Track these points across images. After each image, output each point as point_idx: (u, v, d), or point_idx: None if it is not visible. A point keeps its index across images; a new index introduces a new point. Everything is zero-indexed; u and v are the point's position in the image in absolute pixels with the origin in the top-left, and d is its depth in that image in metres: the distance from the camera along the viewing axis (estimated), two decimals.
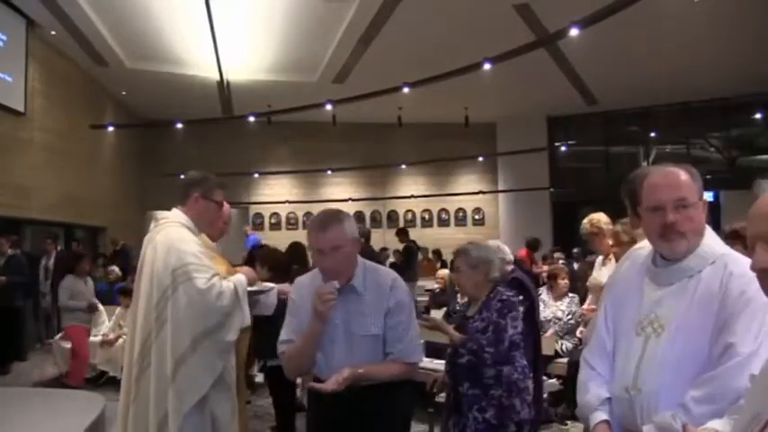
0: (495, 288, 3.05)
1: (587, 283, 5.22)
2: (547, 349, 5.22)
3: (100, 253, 11.78)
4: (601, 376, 1.90)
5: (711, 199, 14.53)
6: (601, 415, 1.84)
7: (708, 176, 14.41)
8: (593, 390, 1.88)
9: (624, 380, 1.79)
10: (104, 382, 7.33)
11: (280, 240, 14.17)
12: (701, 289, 1.72)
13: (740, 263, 1.69)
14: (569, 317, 5.65)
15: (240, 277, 2.87)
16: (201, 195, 2.90)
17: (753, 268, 1.30)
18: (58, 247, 10.25)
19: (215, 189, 2.95)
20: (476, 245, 3.14)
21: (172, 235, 2.78)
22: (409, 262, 10.53)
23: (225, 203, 3.09)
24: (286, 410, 4.82)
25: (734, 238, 3.55)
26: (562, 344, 5.56)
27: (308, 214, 15.15)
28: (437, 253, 13.25)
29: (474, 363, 2.88)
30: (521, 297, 3.33)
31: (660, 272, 1.82)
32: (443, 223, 16.50)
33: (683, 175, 1.79)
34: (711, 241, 1.81)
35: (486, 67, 8.36)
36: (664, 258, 1.82)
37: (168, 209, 2.97)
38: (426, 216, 16.65)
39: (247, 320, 2.83)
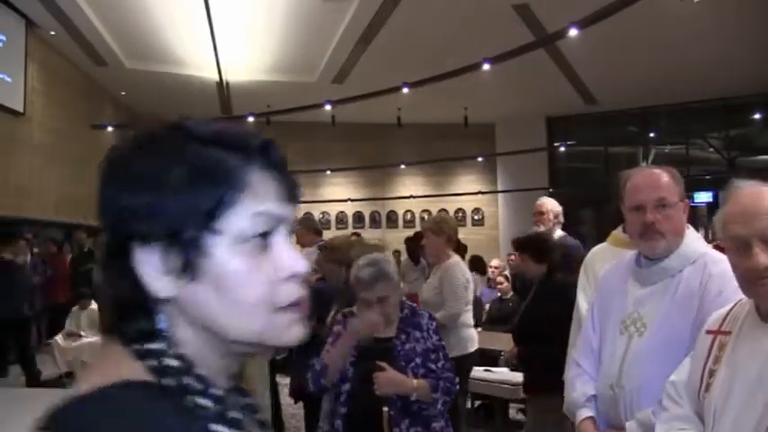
0: (402, 303, 2.66)
1: None
2: None
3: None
4: (587, 374, 1.95)
5: (711, 199, 14.54)
6: (586, 412, 1.90)
7: (707, 177, 14.46)
8: (579, 387, 1.94)
9: (609, 377, 1.84)
10: None
11: None
12: (682, 288, 1.77)
13: (720, 263, 1.74)
14: None
15: None
16: None
17: (753, 268, 1.30)
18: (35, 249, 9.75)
19: None
20: (382, 259, 2.62)
21: None
22: None
23: None
24: (273, 404, 4.89)
25: None
26: None
27: (307, 214, 15.12)
28: None
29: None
30: None
31: (643, 272, 1.87)
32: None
33: (664, 176, 1.84)
34: (693, 242, 1.84)
35: (486, 67, 8.35)
36: (647, 258, 1.85)
37: None
38: (426, 216, 16.57)
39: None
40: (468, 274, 4.45)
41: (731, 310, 1.50)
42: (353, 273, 2.53)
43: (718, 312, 1.53)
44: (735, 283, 1.46)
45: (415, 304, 2.69)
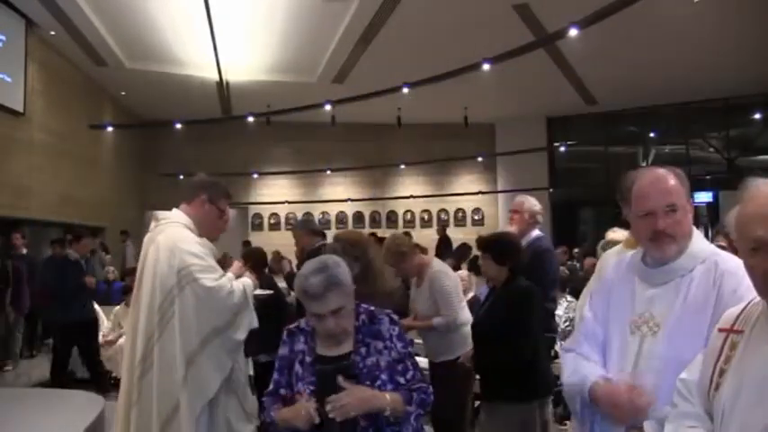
0: (358, 308, 2.22)
1: None
2: None
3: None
4: (596, 362, 1.87)
5: (711, 199, 14.55)
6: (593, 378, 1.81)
7: (707, 177, 14.47)
8: (589, 368, 1.84)
9: (622, 378, 1.80)
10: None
11: (279, 241, 14.18)
12: (694, 288, 1.76)
13: (730, 262, 1.75)
14: (567, 324, 5.55)
15: (247, 281, 2.94)
16: (208, 200, 2.96)
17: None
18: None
19: (222, 197, 3.02)
20: (332, 263, 2.14)
21: (175, 236, 2.78)
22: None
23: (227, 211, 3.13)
24: None
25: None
26: (561, 344, 5.54)
27: (307, 215, 15.14)
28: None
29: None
30: None
31: (652, 272, 1.84)
32: (443, 224, 16.52)
33: (671, 179, 1.81)
34: (700, 241, 1.84)
35: (486, 67, 8.36)
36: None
37: (168, 209, 2.97)
38: (426, 216, 16.65)
39: (255, 323, 2.86)
40: (453, 274, 4.36)
41: (744, 308, 1.48)
42: (298, 284, 2.11)
43: (731, 311, 1.52)
44: (748, 281, 1.46)
45: (372, 308, 2.22)
